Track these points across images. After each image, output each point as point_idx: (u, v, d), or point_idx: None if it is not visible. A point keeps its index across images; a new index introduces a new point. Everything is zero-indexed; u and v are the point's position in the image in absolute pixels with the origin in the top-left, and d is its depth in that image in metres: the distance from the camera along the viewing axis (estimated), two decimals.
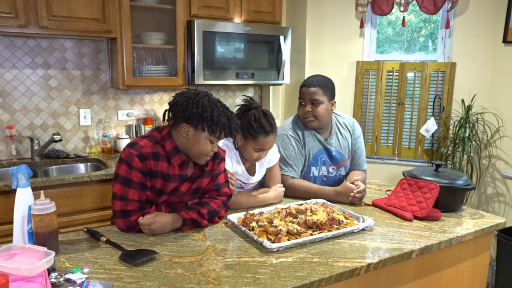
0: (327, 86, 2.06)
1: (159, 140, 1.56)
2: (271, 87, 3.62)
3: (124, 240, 1.46)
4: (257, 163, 1.94)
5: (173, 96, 1.57)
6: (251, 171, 1.94)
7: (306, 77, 2.15)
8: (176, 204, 1.64)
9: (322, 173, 2.15)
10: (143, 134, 3.07)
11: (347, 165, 2.21)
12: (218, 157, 1.70)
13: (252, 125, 1.77)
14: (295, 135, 2.08)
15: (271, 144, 1.82)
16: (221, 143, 1.91)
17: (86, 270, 1.24)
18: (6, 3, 2.32)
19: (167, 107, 1.57)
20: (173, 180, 1.57)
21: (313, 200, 1.84)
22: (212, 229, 1.59)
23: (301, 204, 1.75)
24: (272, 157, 1.98)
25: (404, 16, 3.27)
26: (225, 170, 1.74)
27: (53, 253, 1.19)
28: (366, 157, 3.42)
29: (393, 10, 3.29)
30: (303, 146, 2.09)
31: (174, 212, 1.57)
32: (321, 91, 2.03)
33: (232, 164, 1.86)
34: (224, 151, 1.76)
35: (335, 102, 2.10)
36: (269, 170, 1.99)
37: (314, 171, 2.13)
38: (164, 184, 1.56)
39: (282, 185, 1.97)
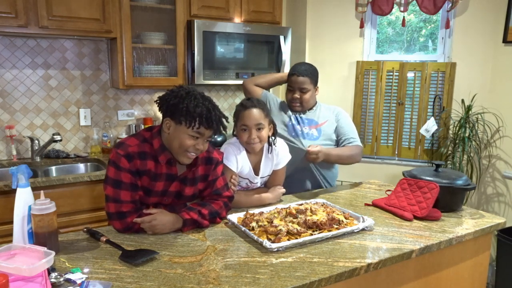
0: (313, 74, 2.27)
1: (147, 138, 1.54)
2: None
3: (124, 240, 1.46)
4: (262, 162, 1.92)
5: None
6: (256, 170, 1.93)
7: (291, 69, 2.32)
8: (175, 206, 1.64)
9: (302, 129, 2.26)
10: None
11: (320, 130, 2.25)
12: (213, 162, 1.66)
13: (236, 108, 1.87)
14: (279, 100, 2.41)
15: (251, 117, 1.80)
16: (226, 143, 1.90)
17: (86, 270, 1.24)
18: (6, 3, 2.32)
19: None
20: (160, 179, 1.55)
21: (313, 200, 1.84)
22: (212, 229, 1.59)
23: (301, 204, 1.75)
24: (281, 159, 1.97)
25: (404, 16, 3.27)
26: (223, 173, 1.73)
27: (53, 253, 1.19)
28: (367, 157, 3.46)
29: (393, 10, 3.29)
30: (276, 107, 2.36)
31: (173, 213, 1.57)
32: (309, 80, 2.24)
33: (238, 163, 1.85)
34: (221, 153, 1.74)
35: (318, 87, 2.32)
36: (274, 172, 1.98)
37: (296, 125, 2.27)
38: (151, 183, 1.54)
39: (282, 186, 1.97)
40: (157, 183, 1.55)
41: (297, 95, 2.24)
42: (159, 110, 1.55)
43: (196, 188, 1.65)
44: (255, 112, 1.81)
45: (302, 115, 2.29)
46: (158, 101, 1.54)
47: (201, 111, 1.44)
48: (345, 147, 2.22)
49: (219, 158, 1.70)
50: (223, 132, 1.56)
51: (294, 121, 2.27)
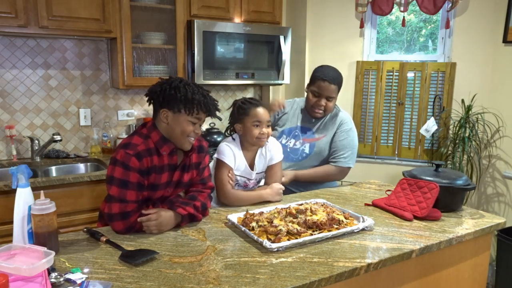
0: (341, 83, 2.19)
1: (146, 134, 1.57)
2: (271, 87, 3.62)
3: (124, 240, 1.46)
4: (256, 158, 1.97)
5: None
6: (251, 166, 1.97)
7: (319, 71, 2.20)
8: (172, 199, 1.66)
9: (288, 145, 2.25)
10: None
11: (314, 145, 2.23)
12: (203, 150, 1.73)
13: (242, 106, 1.89)
14: (294, 104, 2.34)
15: (264, 114, 1.87)
16: (224, 143, 1.92)
17: (86, 270, 1.24)
18: (6, 3, 2.32)
19: None
20: (164, 170, 1.58)
21: (313, 200, 1.84)
22: (212, 229, 1.59)
23: (301, 204, 1.75)
24: (274, 155, 2.00)
25: (404, 16, 3.27)
26: (208, 164, 1.79)
27: (53, 253, 1.19)
28: (366, 157, 3.46)
29: (393, 10, 3.29)
30: (286, 114, 2.31)
31: (170, 209, 1.58)
32: (337, 89, 2.17)
33: (236, 161, 1.89)
34: (206, 142, 1.79)
35: None
36: (270, 168, 2.01)
37: (284, 139, 2.27)
38: (157, 177, 1.57)
39: (280, 183, 1.98)
40: (162, 175, 1.58)
41: (323, 103, 2.15)
42: (151, 102, 1.58)
43: (192, 175, 1.70)
44: (265, 110, 1.90)
45: (308, 125, 2.26)
46: (148, 94, 1.57)
47: (198, 97, 1.52)
48: (321, 167, 2.22)
49: (206, 148, 1.77)
50: (218, 116, 1.64)
51: (298, 131, 2.26)
